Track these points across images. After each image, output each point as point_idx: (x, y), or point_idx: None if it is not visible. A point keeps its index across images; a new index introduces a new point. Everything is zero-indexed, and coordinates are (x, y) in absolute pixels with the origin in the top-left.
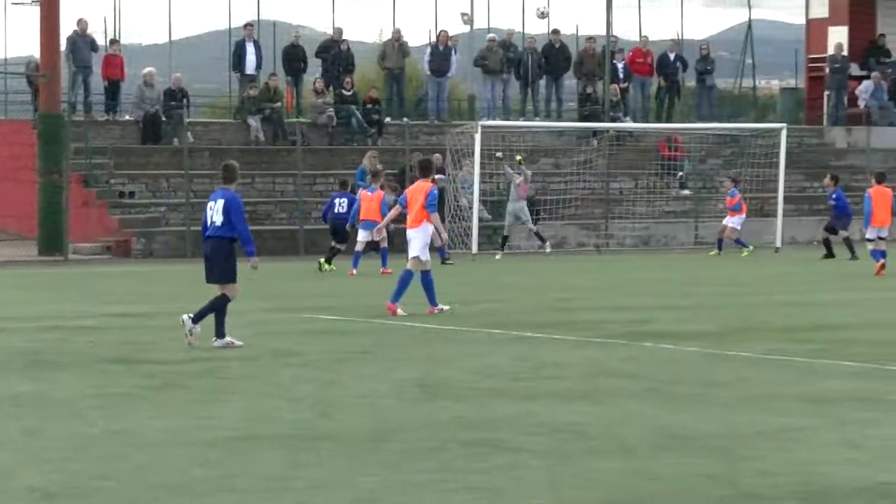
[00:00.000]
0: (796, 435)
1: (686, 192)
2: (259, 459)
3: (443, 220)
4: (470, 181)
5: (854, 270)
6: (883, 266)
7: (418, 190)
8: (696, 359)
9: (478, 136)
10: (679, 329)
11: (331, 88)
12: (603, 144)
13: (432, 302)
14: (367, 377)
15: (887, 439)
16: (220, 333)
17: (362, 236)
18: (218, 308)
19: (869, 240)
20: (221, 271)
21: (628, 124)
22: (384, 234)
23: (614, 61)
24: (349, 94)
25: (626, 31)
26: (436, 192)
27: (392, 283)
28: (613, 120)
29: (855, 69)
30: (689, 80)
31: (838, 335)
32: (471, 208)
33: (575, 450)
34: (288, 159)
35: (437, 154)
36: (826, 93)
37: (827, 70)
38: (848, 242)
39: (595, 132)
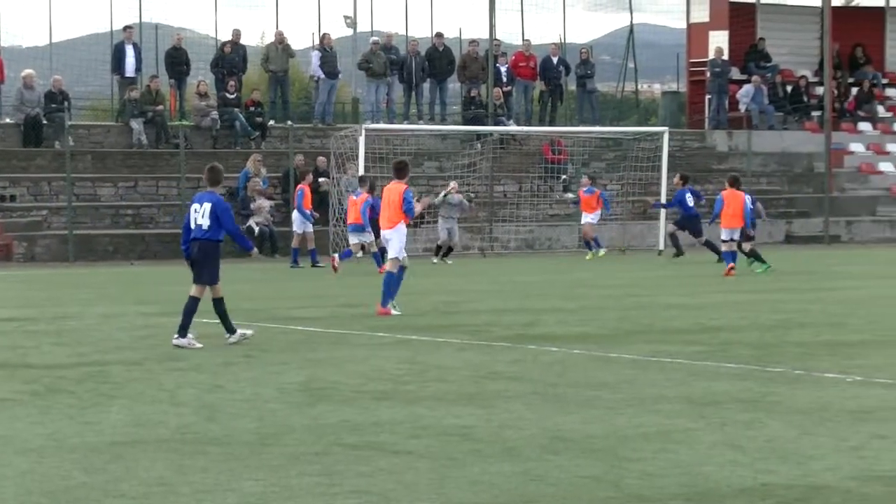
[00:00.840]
0: (679, 436)
1: (570, 195)
2: (144, 464)
3: (327, 223)
4: (354, 184)
5: (738, 272)
6: (732, 268)
7: (393, 191)
8: (581, 361)
9: (362, 140)
10: (564, 332)
11: (214, 91)
12: (487, 148)
13: (384, 303)
14: (252, 381)
15: (768, 440)
16: (230, 329)
17: (353, 239)
18: (189, 311)
19: (724, 241)
20: (210, 273)
21: (512, 128)
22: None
23: (497, 65)
24: (232, 97)
25: (509, 34)
26: (410, 193)
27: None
28: (497, 123)
29: (736, 73)
30: (572, 84)
31: (722, 337)
32: None
33: (461, 452)
34: (171, 162)
35: (321, 157)
36: (707, 96)
37: (708, 74)
38: (710, 245)
39: (479, 135)
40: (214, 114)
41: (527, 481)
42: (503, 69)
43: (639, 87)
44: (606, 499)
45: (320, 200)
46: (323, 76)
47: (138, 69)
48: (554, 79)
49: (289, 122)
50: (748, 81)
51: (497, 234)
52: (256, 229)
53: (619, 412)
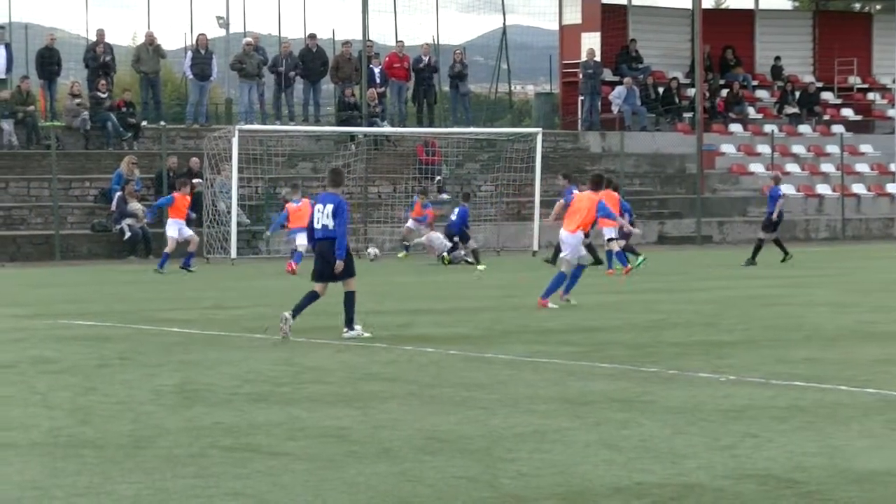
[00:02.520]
0: (554, 436)
1: (444, 196)
2: (16, 468)
3: (200, 225)
4: (228, 185)
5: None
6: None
7: (585, 199)
8: (457, 362)
9: (235, 140)
10: (439, 333)
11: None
12: (361, 149)
13: (547, 294)
14: (126, 383)
15: (642, 439)
16: (349, 323)
17: (301, 240)
18: (309, 299)
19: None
20: (346, 269)
21: (385, 129)
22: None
23: (371, 66)
24: (104, 96)
25: (382, 36)
26: (345, 204)
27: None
28: (371, 125)
29: (608, 75)
30: (445, 85)
31: (596, 337)
32: (229, 212)
33: (338, 454)
34: (43, 163)
35: (194, 158)
36: (580, 98)
37: (580, 75)
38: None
39: (353, 136)
40: (85, 114)
41: (403, 482)
42: (377, 70)
43: (512, 88)
44: (482, 499)
45: (194, 202)
46: (193, 77)
47: (9, 70)
48: (426, 79)
49: (162, 123)
50: (620, 83)
51: (372, 234)
52: (128, 232)
53: (495, 412)
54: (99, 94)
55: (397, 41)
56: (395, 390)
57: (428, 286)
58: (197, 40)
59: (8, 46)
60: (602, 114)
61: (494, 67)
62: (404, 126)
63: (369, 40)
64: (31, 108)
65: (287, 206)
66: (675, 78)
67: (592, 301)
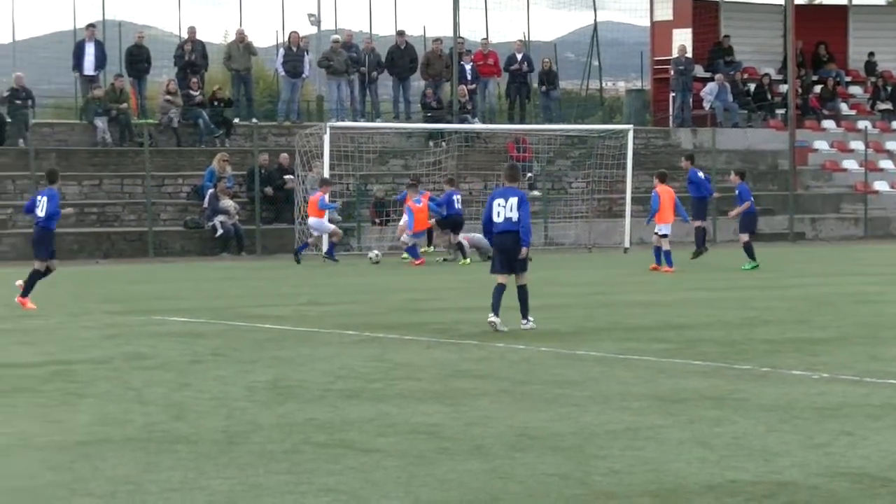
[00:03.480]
0: (647, 433)
1: (535, 192)
2: (111, 463)
3: (293, 222)
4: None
5: (707, 266)
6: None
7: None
8: (548, 359)
9: (327, 138)
10: (530, 329)
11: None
12: (452, 146)
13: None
14: (220, 379)
15: (735, 437)
16: (525, 314)
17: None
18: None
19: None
20: (521, 262)
21: (476, 125)
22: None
23: (462, 62)
24: (196, 94)
25: (472, 32)
26: (526, 195)
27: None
28: (462, 121)
29: (699, 71)
30: (535, 83)
31: (688, 335)
32: None
33: (429, 451)
34: (136, 161)
35: (283, 154)
36: (671, 94)
37: (672, 72)
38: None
39: (443, 134)
40: (174, 112)
41: (494, 479)
42: (468, 67)
43: (603, 84)
44: (574, 496)
45: (286, 198)
46: (285, 74)
47: (100, 67)
48: (519, 76)
49: (253, 120)
50: (712, 79)
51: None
52: (220, 229)
53: (586, 410)
54: (191, 91)
55: (482, 39)
56: (486, 387)
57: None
58: (289, 38)
59: (99, 44)
60: (693, 110)
61: (585, 64)
62: (494, 123)
63: (460, 37)
64: (125, 105)
65: (410, 204)
66: (766, 74)
67: (683, 298)
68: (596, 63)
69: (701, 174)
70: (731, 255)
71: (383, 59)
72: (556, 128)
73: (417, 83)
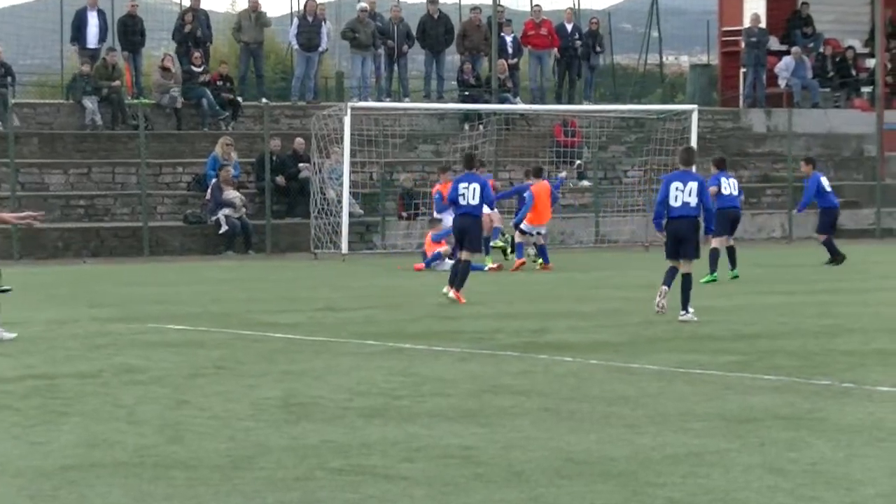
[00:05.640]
0: (711, 458)
1: (585, 182)
2: (99, 491)
3: (308, 216)
4: (339, 171)
5: (788, 266)
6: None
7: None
8: (598, 373)
9: (347, 120)
10: (579, 339)
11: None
12: (491, 129)
13: None
14: (223, 396)
15: (812, 462)
16: (685, 305)
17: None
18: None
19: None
20: (694, 247)
21: (519, 105)
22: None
23: (502, 34)
24: (199, 70)
25: (515, 1)
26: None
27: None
28: (502, 101)
29: (774, 43)
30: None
31: (759, 345)
32: (339, 202)
33: (461, 477)
34: (130, 146)
35: (299, 139)
36: (742, 70)
37: (743, 45)
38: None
39: (480, 115)
40: (175, 90)
41: None
42: (508, 39)
43: (664, 59)
44: None
45: (300, 189)
46: (299, 48)
47: (103, 40)
48: (569, 49)
49: (263, 100)
50: (788, 53)
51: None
52: (225, 224)
53: (642, 431)
54: (193, 67)
55: (534, 5)
56: (527, 405)
57: (564, 284)
58: (305, 6)
59: (101, 13)
60: (767, 88)
61: (644, 36)
62: (543, 103)
63: (500, 5)
64: (117, 83)
65: (532, 191)
66: (851, 47)
67: (754, 303)
68: (655, 34)
69: (825, 181)
70: (810, 255)
71: (413, 31)
72: (610, 108)
73: (451, 58)
